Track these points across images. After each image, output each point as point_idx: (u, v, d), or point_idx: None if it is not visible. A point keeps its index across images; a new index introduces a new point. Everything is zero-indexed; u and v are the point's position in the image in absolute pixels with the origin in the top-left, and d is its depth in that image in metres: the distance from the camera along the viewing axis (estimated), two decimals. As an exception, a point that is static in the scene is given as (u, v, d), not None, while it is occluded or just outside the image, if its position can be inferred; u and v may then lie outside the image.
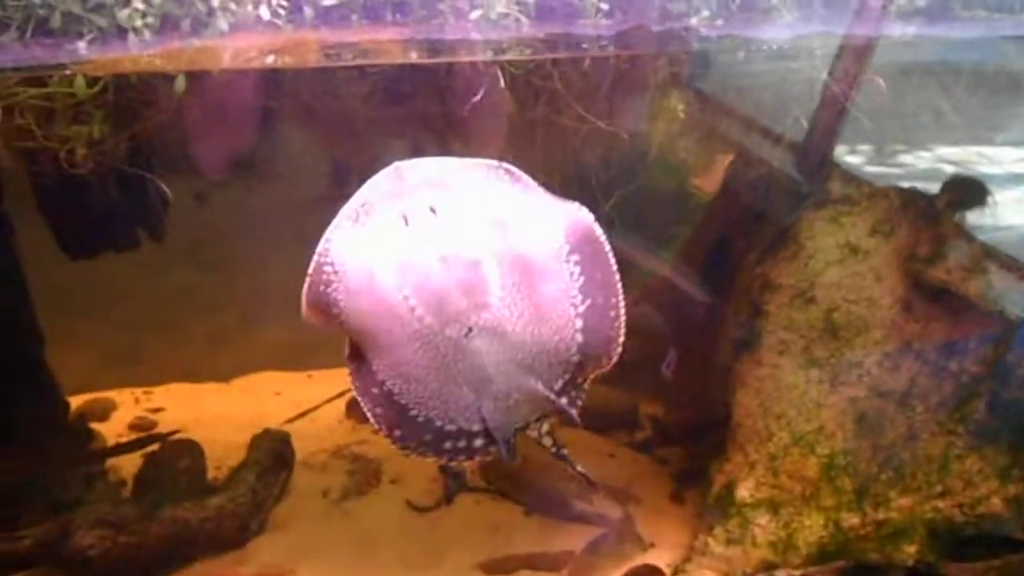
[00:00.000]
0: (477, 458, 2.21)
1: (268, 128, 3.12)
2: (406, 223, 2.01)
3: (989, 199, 2.99)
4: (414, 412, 2.15)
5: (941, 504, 3.01)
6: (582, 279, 2.10)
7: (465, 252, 2.02)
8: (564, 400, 2.14)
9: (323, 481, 3.69)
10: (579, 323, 2.10)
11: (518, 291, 2.06)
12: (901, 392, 2.98)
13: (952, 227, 2.84)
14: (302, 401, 4.47)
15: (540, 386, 2.11)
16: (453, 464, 3.69)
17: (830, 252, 2.91)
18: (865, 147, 3.97)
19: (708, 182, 3.64)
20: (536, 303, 2.08)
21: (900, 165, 4.20)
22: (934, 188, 2.98)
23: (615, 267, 2.12)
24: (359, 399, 2.15)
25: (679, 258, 3.83)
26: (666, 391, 3.97)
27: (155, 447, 3.52)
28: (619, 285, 2.12)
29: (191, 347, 5.18)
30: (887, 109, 3.10)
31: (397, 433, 2.16)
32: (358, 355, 2.14)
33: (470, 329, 2.03)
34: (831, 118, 2.95)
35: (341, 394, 4.46)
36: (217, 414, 4.42)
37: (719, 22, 2.58)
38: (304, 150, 3.57)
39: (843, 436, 3.00)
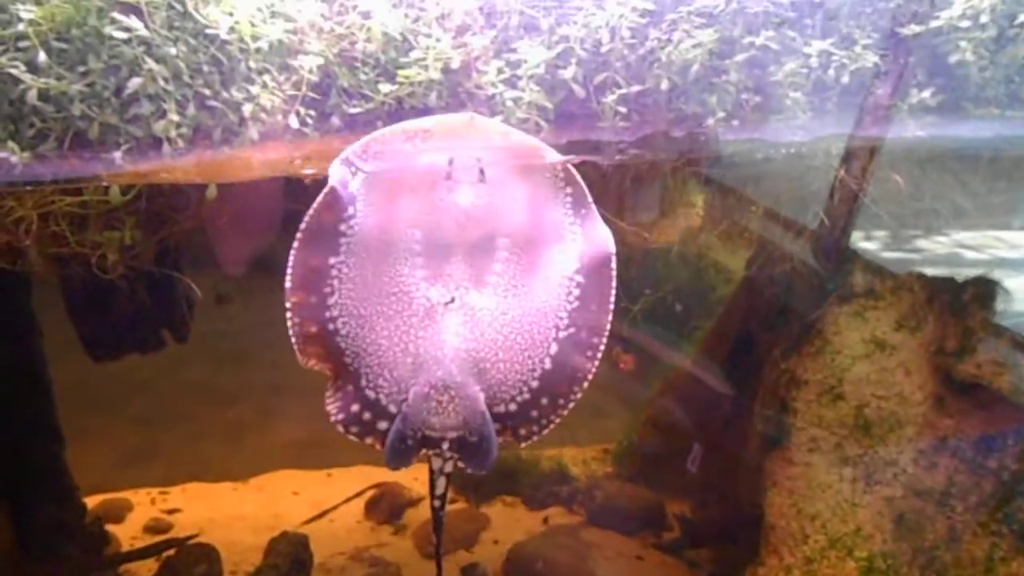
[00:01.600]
0: (368, 441, 2.02)
1: (284, 229, 3.18)
2: (450, 164, 1.97)
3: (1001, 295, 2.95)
4: (348, 359, 2.01)
5: (989, 610, 2.87)
6: (576, 304, 2.03)
7: (488, 222, 1.99)
8: (494, 427, 2.00)
9: (342, 586, 3.60)
10: (554, 348, 2.02)
11: (514, 284, 2.01)
12: (939, 491, 2.88)
13: (980, 320, 2.81)
14: (320, 500, 4.40)
15: (482, 399, 1.99)
16: (476, 566, 3.61)
17: (856, 347, 2.88)
18: (882, 233, 4.00)
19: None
20: (524, 305, 2.01)
21: (918, 250, 4.21)
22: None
23: (611, 307, 2.03)
24: (292, 336, 2.00)
25: (701, 352, 3.80)
26: (693, 489, 3.88)
27: (171, 551, 3.44)
28: (607, 327, 2.03)
29: (207, 443, 5.16)
30: (905, 200, 3.12)
31: (314, 365, 2.02)
32: (312, 287, 2.00)
33: (453, 299, 1.96)
34: (845, 212, 2.98)
35: (360, 493, 4.39)
36: (234, 514, 4.35)
37: (735, 123, 2.63)
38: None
39: (881, 538, 2.89)
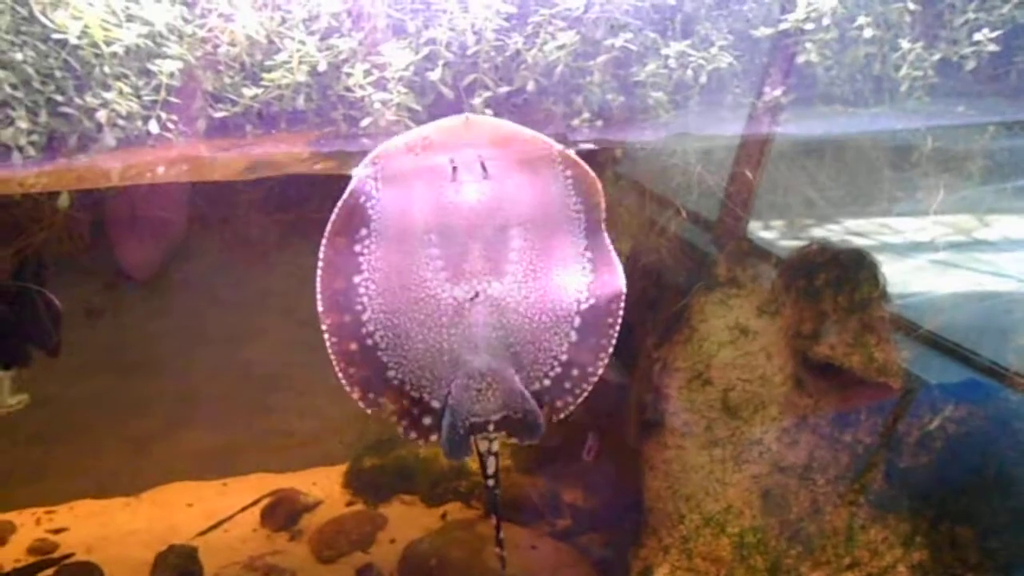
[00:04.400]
0: (412, 435, 2.14)
1: (179, 232, 3.12)
2: (455, 169, 2.04)
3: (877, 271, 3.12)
4: (391, 373, 2.11)
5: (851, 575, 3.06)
6: (592, 276, 2.14)
7: (498, 215, 2.06)
8: (535, 403, 2.12)
9: (234, 596, 3.55)
10: (577, 321, 2.14)
11: (533, 268, 2.09)
12: (802, 466, 3.06)
13: (832, 304, 2.99)
14: (215, 511, 4.32)
15: (518, 379, 2.10)
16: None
17: (722, 333, 3.02)
18: (778, 223, 4.19)
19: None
20: (545, 289, 2.11)
21: (812, 239, 4.43)
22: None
23: (621, 270, 2.16)
24: (335, 360, 2.07)
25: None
26: (585, 477, 3.98)
27: (49, 572, 3.32)
28: (623, 290, 2.15)
29: (106, 454, 4.98)
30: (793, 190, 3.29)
31: (371, 396, 2.11)
32: (344, 308, 2.07)
33: (477, 294, 2.05)
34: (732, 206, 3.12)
35: (256, 501, 4.34)
36: (126, 530, 4.22)
37: (599, 123, 2.73)
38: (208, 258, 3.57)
39: (751, 514, 3.05)
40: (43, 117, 2.25)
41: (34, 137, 2.24)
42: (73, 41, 2.23)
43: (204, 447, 5.08)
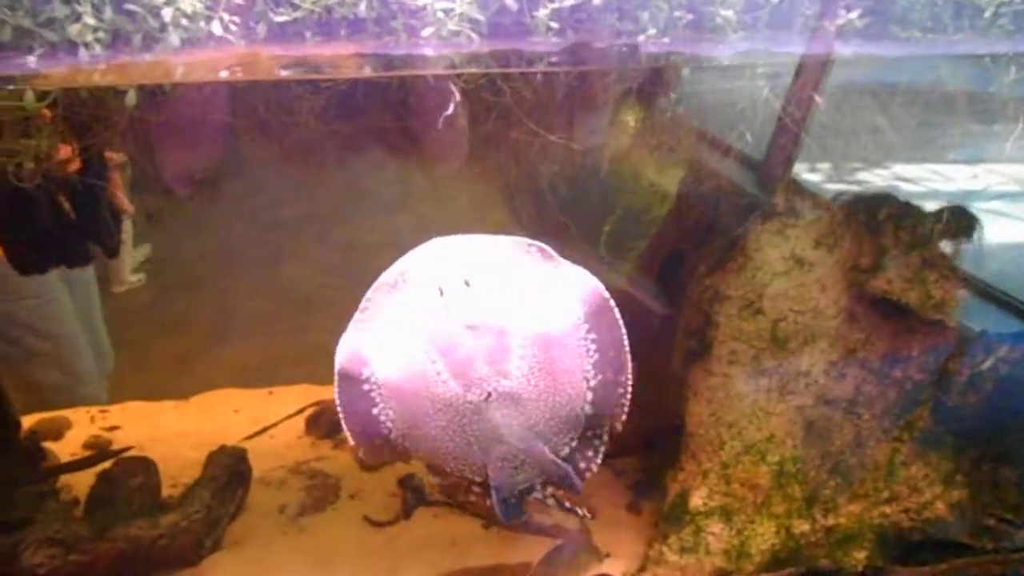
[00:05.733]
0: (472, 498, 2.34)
1: (224, 144, 3.12)
2: (441, 293, 2.13)
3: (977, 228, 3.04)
4: (428, 465, 2.29)
5: (888, 510, 3.08)
6: (596, 356, 2.22)
7: (493, 323, 2.14)
8: (569, 466, 2.27)
9: (280, 498, 3.67)
10: (590, 396, 2.24)
11: (537, 362, 2.16)
12: (847, 400, 3.05)
13: (892, 238, 2.93)
14: (261, 418, 4.44)
15: (547, 451, 2.23)
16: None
17: (776, 264, 2.98)
18: (825, 165, 4.10)
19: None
20: (552, 374, 2.18)
21: (859, 183, 4.33)
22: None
23: (627, 344, 2.24)
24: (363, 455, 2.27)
25: (635, 270, 3.88)
26: (623, 403, 4.02)
27: (108, 465, 3.46)
28: (629, 363, 2.26)
29: (151, 367, 5.15)
30: (846, 129, 3.20)
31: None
32: (370, 429, 2.23)
33: (489, 394, 2.13)
34: (784, 137, 3.04)
35: (301, 410, 4.44)
36: (174, 432, 4.37)
37: (666, 40, 2.65)
38: (264, 167, 3.58)
39: (792, 443, 3.07)
40: (108, 14, 2.22)
41: (100, 34, 2.22)
42: (141, -65, 2.19)
43: (244, 362, 5.23)
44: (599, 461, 2.33)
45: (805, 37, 2.81)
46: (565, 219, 3.11)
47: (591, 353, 2.22)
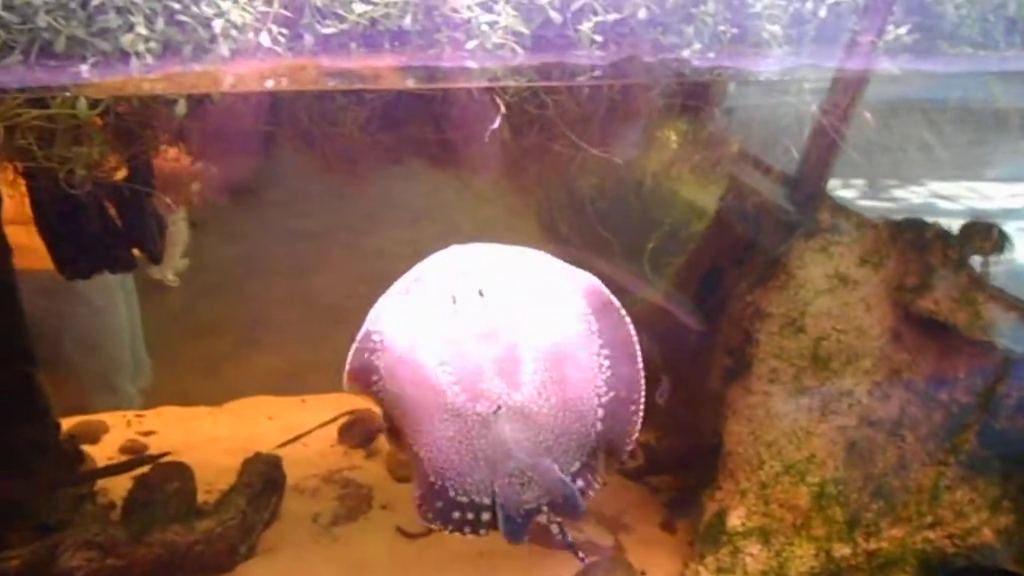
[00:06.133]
0: (467, 531, 2.24)
1: (266, 154, 3.16)
2: (455, 302, 2.12)
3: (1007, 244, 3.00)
4: (432, 479, 2.22)
5: (932, 535, 3.01)
6: (609, 372, 2.19)
7: (505, 334, 2.12)
8: (577, 484, 2.22)
9: (314, 506, 3.68)
10: (600, 412, 2.20)
11: (549, 376, 2.14)
12: (891, 422, 2.99)
13: (940, 257, 2.87)
14: (294, 426, 4.46)
15: (556, 468, 2.18)
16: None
17: (819, 281, 2.94)
18: (858, 181, 4.04)
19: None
20: (563, 389, 2.16)
21: (893, 199, 4.27)
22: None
23: (640, 360, 2.20)
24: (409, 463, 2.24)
25: (672, 285, 3.85)
26: (658, 419, 3.97)
27: (145, 469, 3.50)
28: (642, 380, 2.21)
29: (184, 371, 5.21)
30: (879, 144, 3.15)
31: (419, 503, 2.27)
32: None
33: (499, 407, 2.10)
34: (823, 150, 3.00)
35: (334, 419, 4.46)
36: (208, 437, 4.42)
37: (711, 54, 2.63)
38: (301, 177, 3.61)
39: (834, 465, 3.01)
40: (160, 24, 2.26)
41: (151, 44, 2.26)
42: (193, -52, 2.23)
43: (273, 369, 5.26)
44: (600, 483, 2.27)
45: (850, 52, 2.78)
46: (606, 233, 3.09)
47: (603, 369, 2.19)
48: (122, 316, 4.54)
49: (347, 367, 2.20)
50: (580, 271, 2.24)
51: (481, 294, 2.12)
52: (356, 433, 4.31)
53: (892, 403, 2.99)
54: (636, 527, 3.50)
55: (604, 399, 2.19)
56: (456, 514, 2.22)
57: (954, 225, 3.03)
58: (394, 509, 3.68)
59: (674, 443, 3.82)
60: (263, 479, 3.49)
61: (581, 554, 2.42)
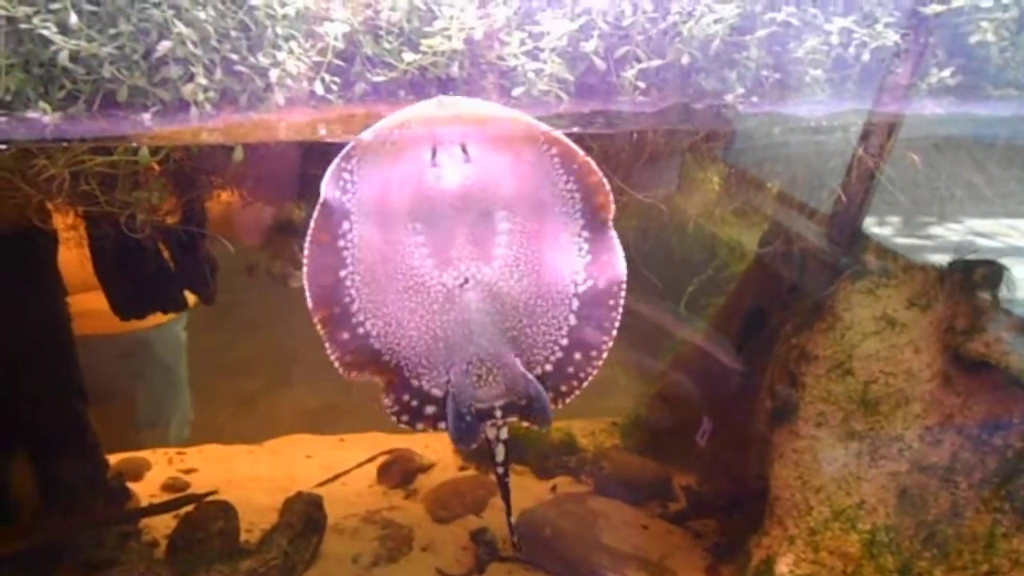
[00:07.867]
0: (419, 427, 2.11)
1: (309, 197, 3.22)
2: (434, 156, 1.98)
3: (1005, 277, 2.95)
4: (387, 358, 2.08)
5: (988, 585, 2.92)
6: (589, 258, 2.06)
7: (482, 200, 2.00)
8: (540, 387, 2.07)
9: (354, 546, 3.68)
10: (575, 304, 2.06)
11: (524, 254, 2.02)
12: (943, 467, 2.92)
13: (990, 300, 2.83)
14: (333, 464, 4.49)
15: (519, 363, 2.05)
16: (483, 534, 3.69)
17: (867, 324, 2.91)
18: (895, 219, 4.01)
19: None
20: (538, 272, 2.04)
21: (931, 237, 4.23)
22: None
23: (623, 256, 2.07)
24: (328, 348, 2.07)
25: (713, 327, 3.84)
26: (700, 461, 3.93)
27: (190, 507, 3.53)
28: (624, 275, 2.07)
29: (222, 409, 5.26)
30: (921, 183, 3.13)
31: (356, 376, 2.10)
32: (332, 301, 2.06)
33: (467, 280, 1.99)
34: (863, 192, 2.99)
35: (372, 458, 4.48)
36: (249, 476, 4.45)
37: (754, 99, 2.65)
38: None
39: (885, 511, 2.94)
40: (218, 75, 2.34)
41: (210, 93, 2.34)
42: (251, 2, 2.32)
43: (306, 406, 5.30)
44: (580, 390, 2.09)
45: (891, 95, 2.79)
46: (648, 273, 3.09)
47: (583, 254, 2.05)
48: (185, 369, 4.65)
49: (323, 187, 2.02)
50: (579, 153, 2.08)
51: (464, 151, 1.99)
52: (395, 473, 4.32)
53: (944, 448, 2.92)
54: (679, 572, 3.44)
55: (581, 288, 2.05)
56: (405, 396, 2.08)
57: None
58: (434, 551, 3.67)
59: (717, 486, 3.76)
60: (304, 519, 3.51)
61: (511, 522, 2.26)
